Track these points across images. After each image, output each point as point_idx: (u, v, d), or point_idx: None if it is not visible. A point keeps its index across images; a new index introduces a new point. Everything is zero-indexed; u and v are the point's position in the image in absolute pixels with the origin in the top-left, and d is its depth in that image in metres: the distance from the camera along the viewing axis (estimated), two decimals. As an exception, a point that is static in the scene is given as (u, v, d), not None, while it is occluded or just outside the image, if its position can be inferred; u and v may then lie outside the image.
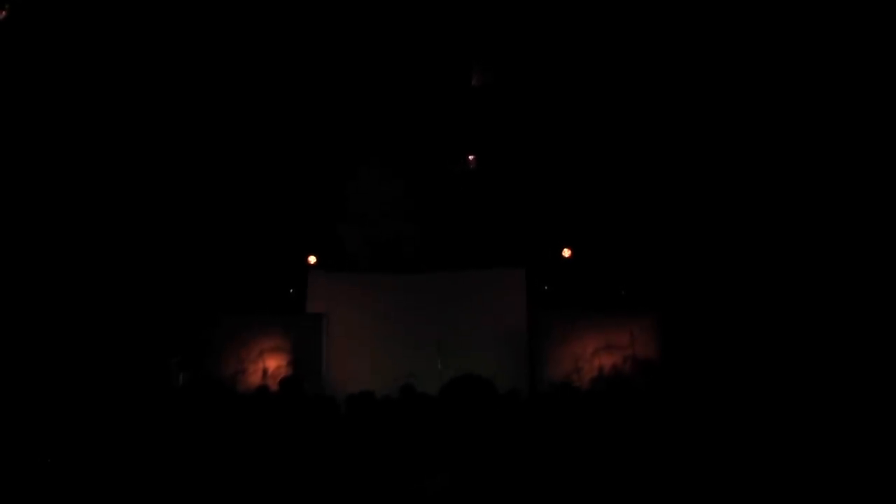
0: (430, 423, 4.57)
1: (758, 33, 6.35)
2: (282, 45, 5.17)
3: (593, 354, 11.99)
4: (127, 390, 9.87)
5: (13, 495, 3.37)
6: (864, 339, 8.12)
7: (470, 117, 7.12)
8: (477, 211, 10.85)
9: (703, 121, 7.53)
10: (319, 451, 3.50)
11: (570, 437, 3.89)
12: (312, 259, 12.42)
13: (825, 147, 7.63)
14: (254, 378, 11.97)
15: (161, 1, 5.29)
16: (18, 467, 3.59)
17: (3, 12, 5.05)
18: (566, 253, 12.11)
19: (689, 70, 6.42)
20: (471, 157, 8.77)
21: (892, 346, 7.64)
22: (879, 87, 6.60)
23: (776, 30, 6.29)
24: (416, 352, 11.44)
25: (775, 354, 9.51)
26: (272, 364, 12.36)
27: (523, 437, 3.56)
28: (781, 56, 6.56)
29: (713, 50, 6.23)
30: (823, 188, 8.26)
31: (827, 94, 6.96)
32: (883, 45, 5.99)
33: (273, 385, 10.39)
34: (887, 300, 7.93)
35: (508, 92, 5.88)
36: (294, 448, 3.42)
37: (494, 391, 2.95)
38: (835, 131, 7.42)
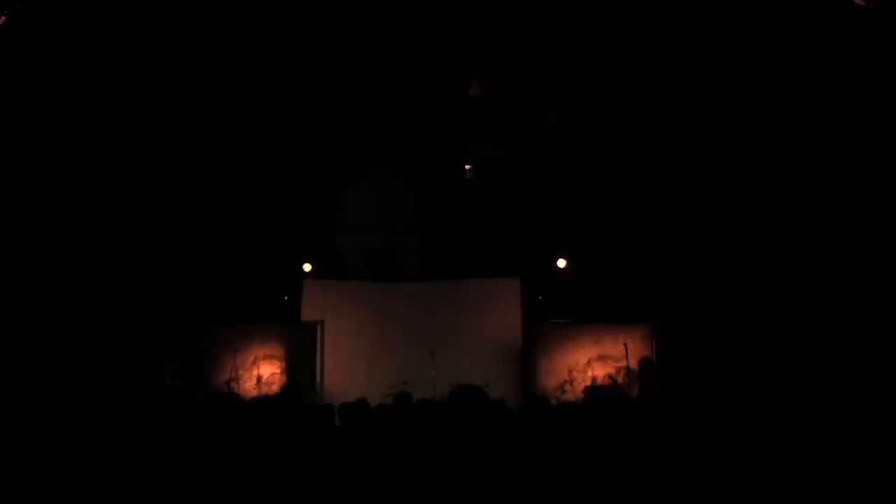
0: (422, 432, 4.59)
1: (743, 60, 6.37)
2: (277, 54, 5.20)
3: (587, 364, 12.05)
4: (122, 397, 9.85)
5: (9, 496, 3.38)
6: (858, 339, 8.16)
7: (468, 126, 7.17)
8: (473, 221, 10.88)
9: (698, 133, 7.59)
10: (312, 458, 3.52)
11: (561, 447, 3.91)
12: (308, 267, 12.43)
13: (817, 159, 7.68)
14: (248, 385, 11.98)
15: (154, 5, 5.31)
16: (11, 470, 3.60)
17: (2, 17, 5.08)
18: (561, 263, 12.15)
19: (681, 84, 6.48)
20: (467, 167, 8.80)
21: (886, 352, 7.67)
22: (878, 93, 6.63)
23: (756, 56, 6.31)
24: (410, 360, 11.47)
25: (771, 365, 9.52)
26: (266, 371, 12.38)
27: (512, 446, 3.58)
28: (764, 75, 6.59)
29: (708, 65, 6.29)
30: (817, 198, 8.31)
31: (814, 107, 7.01)
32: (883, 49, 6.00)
33: (267, 392, 10.39)
34: (881, 306, 7.96)
35: (504, 101, 5.92)
36: (287, 455, 3.44)
37: (486, 402, 2.97)
38: (827, 144, 7.47)
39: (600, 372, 11.86)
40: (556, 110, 6.47)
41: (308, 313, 12.64)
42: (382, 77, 5.55)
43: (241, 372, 12.04)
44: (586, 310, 12.58)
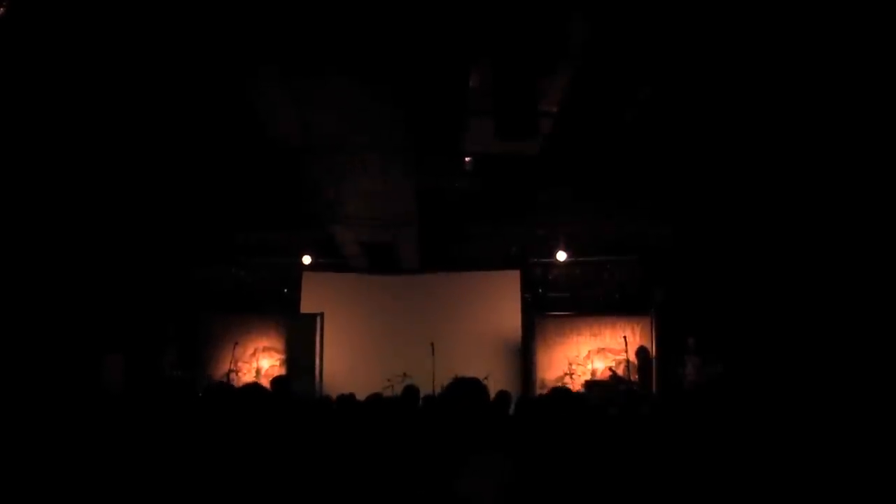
0: (423, 425, 4.58)
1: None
2: (272, 40, 5.14)
3: (587, 357, 12.06)
4: (120, 387, 9.84)
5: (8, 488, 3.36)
6: (861, 340, 8.14)
7: (468, 119, 7.11)
8: (473, 212, 10.83)
9: (702, 122, 7.52)
10: (306, 452, 3.49)
11: (561, 442, 3.88)
12: (307, 259, 12.41)
13: (825, 151, 7.59)
14: (247, 377, 11.98)
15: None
16: (10, 462, 3.58)
17: (2, 8, 5.02)
18: (561, 256, 12.12)
19: (686, 75, 6.40)
20: (467, 159, 8.76)
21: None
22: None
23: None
24: (410, 352, 11.46)
25: (775, 357, 9.51)
26: (266, 364, 12.39)
27: (512, 440, 3.56)
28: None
29: (711, 53, 6.20)
30: (824, 191, 8.24)
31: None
32: None
33: (265, 384, 10.36)
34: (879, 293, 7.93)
35: (504, 94, 5.86)
36: (279, 449, 3.41)
37: (486, 395, 2.93)
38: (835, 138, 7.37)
39: (600, 364, 11.88)
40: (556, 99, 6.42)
41: (307, 305, 12.63)
42: (382, 65, 5.50)
43: (240, 364, 12.05)
44: (585, 302, 12.59)
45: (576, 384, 11.38)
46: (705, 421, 4.57)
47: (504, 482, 2.37)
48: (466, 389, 2.82)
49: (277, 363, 12.40)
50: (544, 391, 10.51)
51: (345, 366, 12.14)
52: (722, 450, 3.97)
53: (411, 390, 6.23)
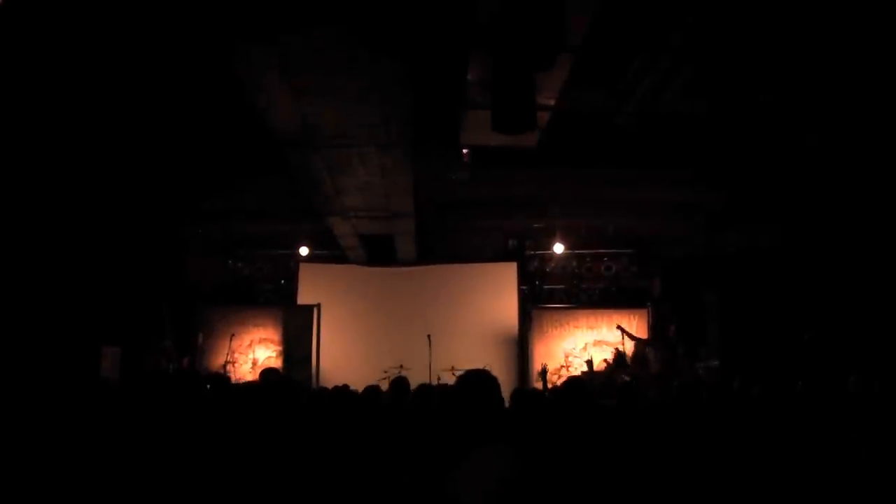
0: (416, 417, 4.59)
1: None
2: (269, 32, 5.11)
3: (583, 349, 12.10)
4: (117, 379, 9.83)
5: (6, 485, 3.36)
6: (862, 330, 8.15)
7: (466, 111, 7.09)
8: (470, 204, 10.83)
9: (702, 117, 7.49)
10: (298, 443, 3.50)
11: (563, 434, 3.90)
12: (305, 250, 12.41)
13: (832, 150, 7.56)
14: (244, 368, 12.01)
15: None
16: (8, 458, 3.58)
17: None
18: (558, 248, 12.14)
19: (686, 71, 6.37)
20: (465, 151, 8.74)
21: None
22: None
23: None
24: (407, 343, 11.48)
25: (770, 353, 9.54)
26: (262, 355, 12.40)
27: (511, 432, 3.56)
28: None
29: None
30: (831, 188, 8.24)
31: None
32: None
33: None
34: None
35: (502, 86, 5.84)
36: (273, 440, 3.41)
37: (498, 388, 2.91)
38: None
39: (596, 356, 11.92)
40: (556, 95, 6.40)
41: (304, 297, 12.64)
42: (382, 57, 5.49)
43: (236, 355, 12.06)
44: (582, 295, 12.62)
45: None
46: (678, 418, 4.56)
47: (506, 475, 2.37)
48: (478, 382, 2.79)
49: (274, 354, 12.41)
50: (540, 384, 10.55)
51: (341, 357, 12.16)
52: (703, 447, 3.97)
53: (401, 381, 6.21)
